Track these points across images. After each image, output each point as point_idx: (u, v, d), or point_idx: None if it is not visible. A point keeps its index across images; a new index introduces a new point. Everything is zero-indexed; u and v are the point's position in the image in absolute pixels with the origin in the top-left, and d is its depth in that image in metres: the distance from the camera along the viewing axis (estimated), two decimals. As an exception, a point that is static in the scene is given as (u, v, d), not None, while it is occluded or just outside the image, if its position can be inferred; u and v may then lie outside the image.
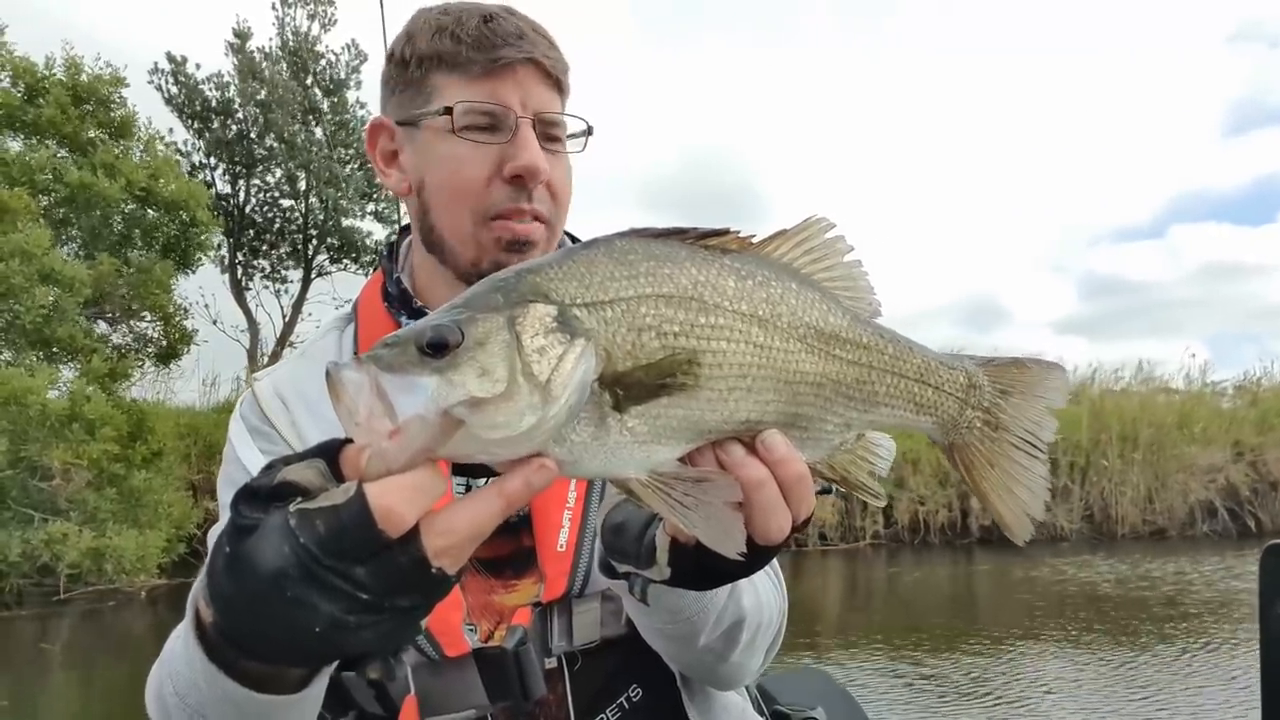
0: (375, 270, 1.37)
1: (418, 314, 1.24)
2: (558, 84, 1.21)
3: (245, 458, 1.20)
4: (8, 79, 13.26)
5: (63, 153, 13.28)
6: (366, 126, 1.28)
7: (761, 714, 1.42)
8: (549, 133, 1.20)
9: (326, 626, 0.64)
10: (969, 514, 14.80)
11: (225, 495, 1.21)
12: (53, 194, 12.71)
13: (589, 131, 1.25)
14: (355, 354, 1.22)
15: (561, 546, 1.17)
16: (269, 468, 0.70)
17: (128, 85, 14.00)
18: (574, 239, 1.39)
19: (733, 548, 0.73)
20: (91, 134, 13.56)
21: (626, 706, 1.21)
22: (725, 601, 1.06)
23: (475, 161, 1.16)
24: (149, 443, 11.56)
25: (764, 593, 1.17)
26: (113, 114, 13.89)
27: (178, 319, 14.53)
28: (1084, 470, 15.40)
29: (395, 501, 0.62)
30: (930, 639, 8.19)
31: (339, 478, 0.67)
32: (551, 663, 1.16)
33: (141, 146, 14.36)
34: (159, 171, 13.75)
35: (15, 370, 10.26)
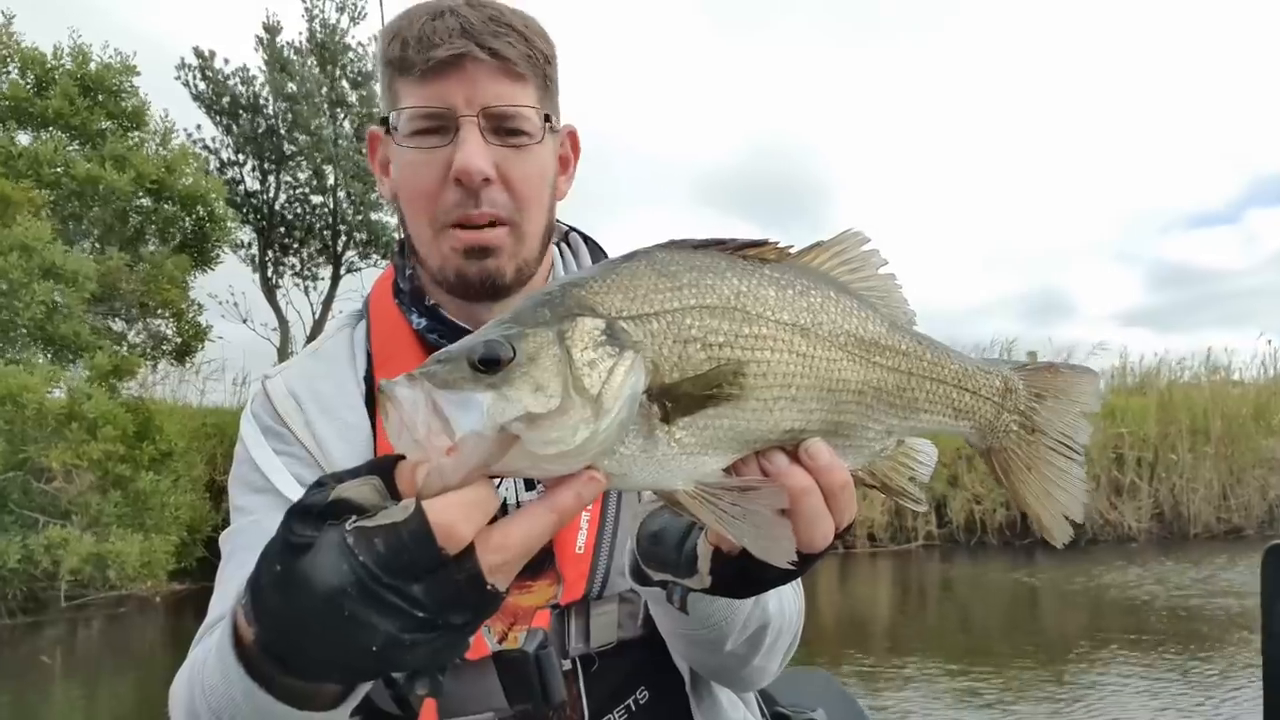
0: (387, 267, 1.42)
1: (429, 311, 1.29)
2: (518, 75, 1.20)
3: (259, 458, 1.24)
4: (16, 70, 13.51)
5: (74, 145, 13.47)
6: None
7: (762, 716, 1.48)
8: (504, 127, 1.20)
9: (383, 645, 0.67)
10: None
11: (238, 497, 1.26)
12: (61, 187, 12.83)
13: (546, 119, 1.24)
14: (367, 351, 1.30)
15: (580, 549, 1.22)
16: (319, 485, 0.73)
17: (138, 74, 14.16)
18: (586, 240, 1.44)
19: (782, 556, 0.77)
20: (101, 125, 13.73)
21: (633, 708, 1.26)
22: (752, 608, 1.12)
23: (425, 167, 1.20)
24: (157, 443, 11.58)
25: (785, 597, 1.22)
26: (123, 104, 14.07)
27: (191, 315, 14.68)
28: (1152, 466, 15.16)
29: (455, 518, 0.66)
30: (982, 651, 8.11)
31: (393, 494, 0.70)
32: (566, 664, 1.21)
33: (157, 139, 14.55)
34: (174, 164, 13.92)
35: (12, 368, 10.21)
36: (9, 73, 13.53)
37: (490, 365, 0.69)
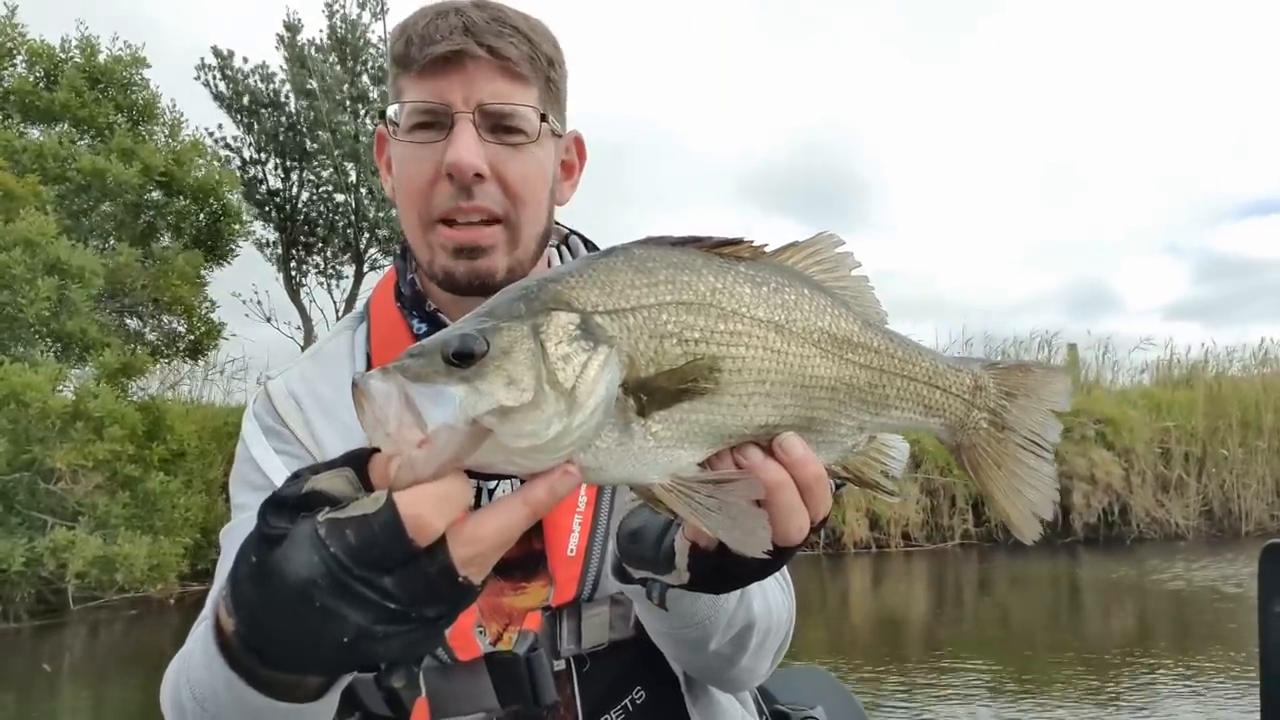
0: (388, 269, 1.47)
1: (430, 315, 1.34)
2: (518, 75, 1.24)
3: (259, 457, 1.30)
4: (23, 63, 13.68)
5: (85, 139, 13.60)
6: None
7: (761, 714, 1.53)
8: (501, 125, 1.23)
9: (354, 636, 0.69)
10: (1071, 510, 14.52)
11: (238, 494, 1.32)
12: (68, 182, 12.90)
13: (543, 119, 1.27)
14: (367, 354, 1.35)
15: (572, 551, 1.26)
16: (295, 477, 0.75)
17: (149, 66, 14.33)
18: (588, 243, 1.48)
19: (757, 547, 0.80)
20: (110, 118, 13.85)
21: (630, 709, 1.31)
22: (736, 607, 1.15)
23: (419, 163, 1.24)
24: (167, 443, 11.64)
25: (773, 598, 1.26)
26: (133, 97, 14.21)
27: (204, 312, 14.80)
28: (1201, 461, 15.03)
29: (425, 510, 0.68)
30: (1023, 652, 8.08)
31: (367, 487, 0.73)
32: (559, 665, 1.26)
33: (165, 130, 14.69)
34: (182, 156, 14.05)
35: (15, 366, 10.24)
36: (14, 66, 13.70)
37: (464, 359, 0.72)
